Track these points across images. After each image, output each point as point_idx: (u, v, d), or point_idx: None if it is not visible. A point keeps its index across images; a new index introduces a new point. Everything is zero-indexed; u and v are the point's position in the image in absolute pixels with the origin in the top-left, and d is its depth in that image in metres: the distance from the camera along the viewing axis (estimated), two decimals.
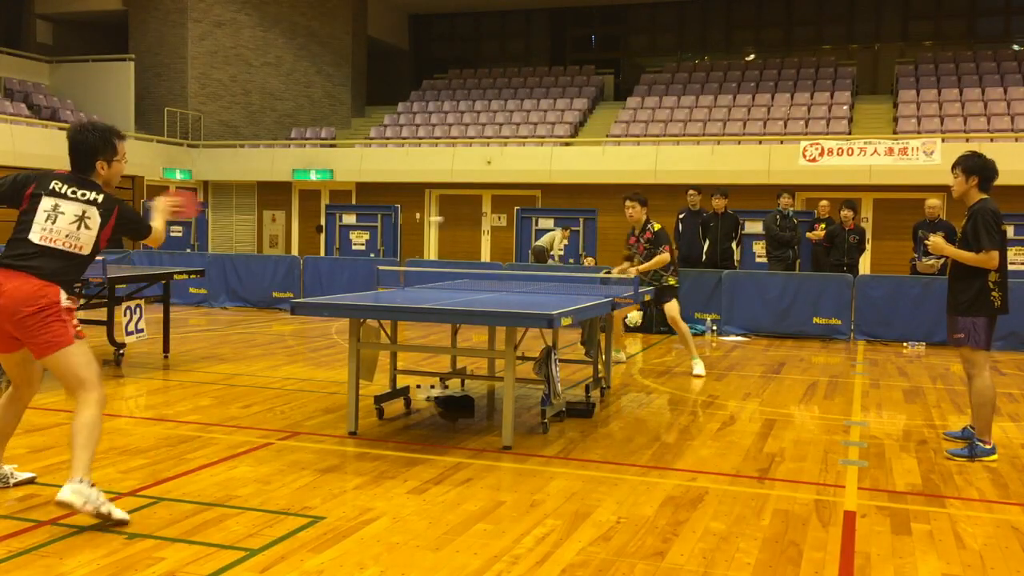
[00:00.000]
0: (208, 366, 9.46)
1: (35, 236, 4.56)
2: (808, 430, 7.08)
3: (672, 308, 9.54)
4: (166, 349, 9.90)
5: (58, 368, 4.53)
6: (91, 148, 4.72)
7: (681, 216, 13.96)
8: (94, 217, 4.64)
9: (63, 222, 4.59)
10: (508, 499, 5.06)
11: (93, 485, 4.40)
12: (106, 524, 4.39)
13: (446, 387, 8.07)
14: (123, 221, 4.76)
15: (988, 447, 6.20)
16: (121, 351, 9.31)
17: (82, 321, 9.93)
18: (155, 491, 5.05)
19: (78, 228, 4.61)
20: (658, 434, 6.83)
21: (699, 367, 9.52)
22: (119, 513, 4.43)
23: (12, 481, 5.04)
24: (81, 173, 4.74)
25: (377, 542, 4.33)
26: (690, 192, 13.81)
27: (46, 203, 4.61)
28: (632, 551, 4.31)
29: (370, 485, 5.25)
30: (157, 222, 4.96)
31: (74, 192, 4.65)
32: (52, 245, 4.56)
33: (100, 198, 4.69)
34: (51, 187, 4.65)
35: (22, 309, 4.44)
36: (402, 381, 7.79)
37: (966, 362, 6.29)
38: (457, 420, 7.15)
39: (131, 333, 9.08)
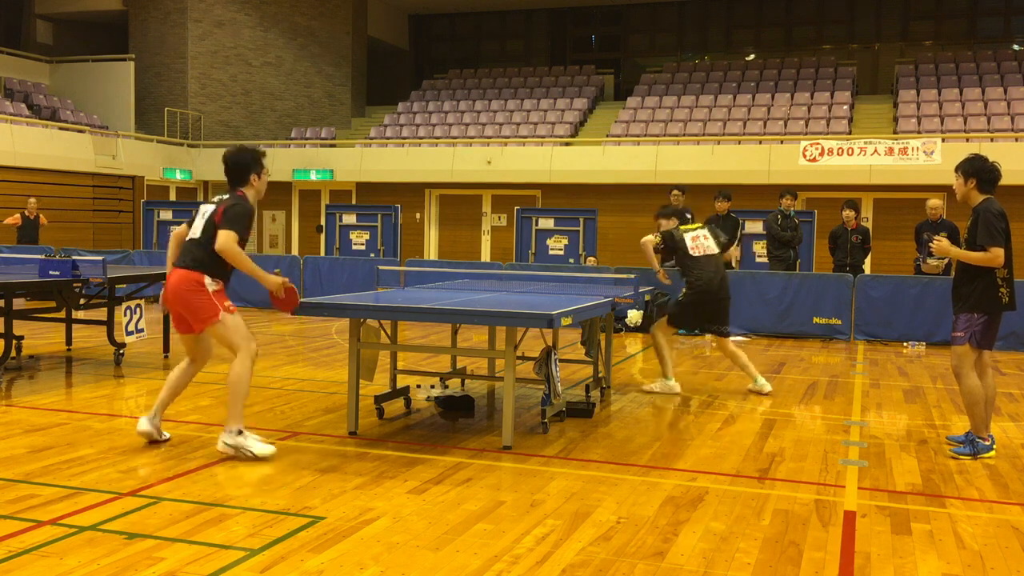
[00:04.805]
0: (208, 366, 9.38)
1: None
2: (808, 430, 7.08)
3: None
4: (166, 349, 9.89)
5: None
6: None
7: None
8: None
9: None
10: (508, 499, 5.06)
11: (241, 432, 5.61)
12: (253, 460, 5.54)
13: (446, 387, 8.07)
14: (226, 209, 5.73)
15: (987, 443, 6.24)
16: (121, 351, 9.32)
17: (83, 321, 10.04)
18: (155, 491, 5.05)
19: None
20: (658, 434, 6.84)
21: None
22: (265, 449, 5.65)
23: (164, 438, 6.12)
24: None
25: (377, 542, 4.33)
26: (674, 192, 13.48)
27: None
28: (632, 551, 4.31)
29: (370, 485, 5.25)
30: (247, 262, 6.07)
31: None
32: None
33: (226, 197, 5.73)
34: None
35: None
36: (402, 381, 7.78)
37: (954, 358, 6.30)
38: (457, 420, 7.15)
39: (131, 333, 9.08)
